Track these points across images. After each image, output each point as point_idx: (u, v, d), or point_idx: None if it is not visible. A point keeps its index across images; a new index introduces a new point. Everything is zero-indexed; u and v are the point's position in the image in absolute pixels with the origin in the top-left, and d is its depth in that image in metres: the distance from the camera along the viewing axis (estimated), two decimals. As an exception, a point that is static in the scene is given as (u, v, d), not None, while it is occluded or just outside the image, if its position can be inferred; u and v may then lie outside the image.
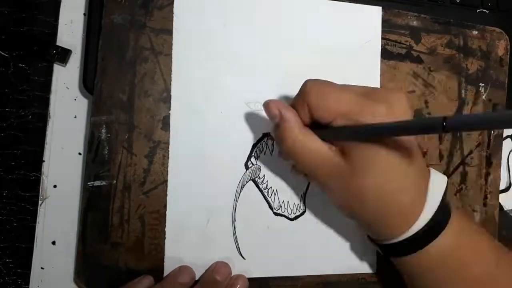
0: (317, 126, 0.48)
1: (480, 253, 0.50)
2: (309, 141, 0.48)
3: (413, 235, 0.47)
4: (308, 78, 0.49)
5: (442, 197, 0.48)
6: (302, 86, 0.49)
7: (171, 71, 0.55)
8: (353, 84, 0.50)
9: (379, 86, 0.60)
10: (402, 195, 0.46)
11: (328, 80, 0.49)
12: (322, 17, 0.59)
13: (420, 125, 0.41)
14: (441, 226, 0.48)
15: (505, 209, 0.67)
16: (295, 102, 0.50)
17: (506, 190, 0.66)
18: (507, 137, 0.69)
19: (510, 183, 0.69)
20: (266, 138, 0.57)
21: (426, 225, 0.47)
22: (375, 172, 0.45)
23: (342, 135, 0.47)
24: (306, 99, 0.48)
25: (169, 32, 0.55)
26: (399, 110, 0.45)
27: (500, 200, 0.65)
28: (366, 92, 0.47)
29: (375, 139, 0.44)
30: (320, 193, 0.55)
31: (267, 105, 0.49)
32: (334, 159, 0.47)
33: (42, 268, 0.57)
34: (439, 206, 0.47)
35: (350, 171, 0.46)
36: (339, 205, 0.51)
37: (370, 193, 0.46)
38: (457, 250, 0.49)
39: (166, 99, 0.55)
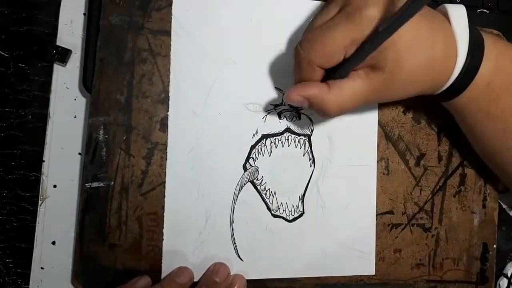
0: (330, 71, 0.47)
1: None
2: (345, 91, 0.47)
3: (455, 80, 0.48)
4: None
5: (469, 29, 0.48)
6: (296, 54, 0.48)
7: (169, 72, 0.52)
8: None
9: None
10: (435, 59, 0.47)
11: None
12: None
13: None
14: (478, 57, 0.48)
15: (505, 209, 0.64)
16: (301, 71, 0.48)
17: (505, 190, 0.63)
18: None
19: None
20: (264, 139, 0.54)
21: (463, 67, 0.48)
22: (406, 59, 0.45)
23: (360, 58, 0.45)
24: (311, 63, 0.47)
25: (167, 33, 0.53)
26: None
27: (500, 201, 0.63)
28: (344, 11, 0.45)
29: (390, 36, 0.43)
30: (318, 195, 0.55)
31: (289, 99, 0.48)
32: (371, 81, 0.47)
33: (42, 268, 0.54)
34: (470, 40, 0.48)
35: (389, 75, 0.46)
36: (389, 100, 0.51)
37: (410, 76, 0.47)
38: (501, 71, 0.49)
39: (164, 101, 0.52)
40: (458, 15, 0.48)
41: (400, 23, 0.41)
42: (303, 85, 0.48)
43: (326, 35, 0.45)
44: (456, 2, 0.62)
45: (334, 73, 0.47)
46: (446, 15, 0.49)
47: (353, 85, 0.46)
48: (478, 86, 0.48)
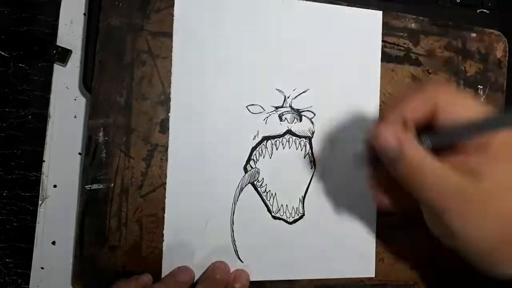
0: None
1: None
2: (438, 171, 0.39)
3: None
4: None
5: None
6: (428, 87, 0.42)
7: (169, 73, 0.51)
8: (351, 93, 0.47)
9: (378, 89, 0.56)
10: None
11: (330, 84, 0.49)
12: (322, 21, 0.56)
13: None
14: None
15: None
16: (411, 99, 0.42)
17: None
18: None
19: None
20: (265, 141, 0.54)
21: None
22: (503, 194, 0.38)
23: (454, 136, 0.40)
24: (432, 98, 0.40)
25: (167, 35, 0.52)
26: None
27: None
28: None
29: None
30: (318, 197, 0.54)
31: (378, 135, 0.41)
32: (461, 179, 0.38)
33: (42, 268, 0.54)
34: None
35: (485, 191, 0.38)
36: (461, 236, 0.40)
37: (507, 214, 0.38)
38: None
39: (163, 102, 0.51)
40: None
41: None
42: (406, 134, 0.40)
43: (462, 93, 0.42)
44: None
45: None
46: None
47: (448, 174, 0.39)
48: None
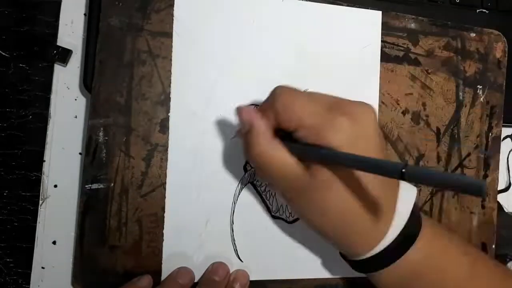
0: (282, 132, 0.44)
1: (454, 260, 0.46)
2: (277, 152, 0.43)
3: (382, 251, 0.43)
4: (279, 85, 0.45)
5: (412, 209, 0.44)
6: (272, 91, 0.44)
7: (169, 73, 0.51)
8: (350, 93, 0.44)
9: (378, 89, 0.56)
10: (366, 214, 0.42)
11: (329, 84, 0.48)
12: (322, 21, 0.55)
13: (379, 167, 0.36)
14: (411, 240, 0.44)
15: (505, 209, 0.63)
16: (263, 106, 0.45)
17: (505, 190, 0.62)
18: (506, 137, 0.66)
19: (510, 183, 0.66)
20: (265, 141, 0.52)
21: (394, 241, 0.43)
22: (337, 189, 0.41)
23: (304, 152, 0.42)
24: (273, 105, 0.43)
25: (167, 35, 0.51)
26: (362, 125, 0.41)
27: (500, 200, 0.62)
28: (333, 103, 0.42)
29: (333, 164, 0.40)
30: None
31: (239, 111, 0.44)
32: (297, 172, 0.42)
33: (43, 267, 0.53)
34: (408, 220, 0.43)
35: (312, 185, 0.41)
36: (301, 217, 0.46)
37: (331, 210, 0.42)
38: (430, 259, 0.45)
39: (163, 102, 0.51)
40: (407, 196, 0.44)
41: (364, 168, 0.38)
42: (259, 113, 0.44)
43: (302, 96, 0.43)
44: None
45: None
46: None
47: (286, 157, 0.42)
48: (402, 268, 0.44)
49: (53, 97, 0.55)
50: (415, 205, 0.44)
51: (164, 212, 0.50)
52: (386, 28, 0.57)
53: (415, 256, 0.44)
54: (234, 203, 0.52)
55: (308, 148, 0.41)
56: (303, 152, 0.42)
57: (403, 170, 0.33)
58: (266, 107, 0.44)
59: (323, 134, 0.40)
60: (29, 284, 0.53)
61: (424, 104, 0.58)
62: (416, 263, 0.44)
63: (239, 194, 0.52)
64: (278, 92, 0.44)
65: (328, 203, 0.41)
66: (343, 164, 0.39)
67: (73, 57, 0.56)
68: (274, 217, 0.53)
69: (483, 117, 0.59)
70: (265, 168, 0.43)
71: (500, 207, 0.61)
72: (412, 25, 0.58)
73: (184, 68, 0.51)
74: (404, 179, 0.33)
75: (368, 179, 0.41)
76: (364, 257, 0.44)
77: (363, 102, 0.43)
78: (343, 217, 0.42)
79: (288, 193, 0.44)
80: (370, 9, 0.56)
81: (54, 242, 0.54)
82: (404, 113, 0.57)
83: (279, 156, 0.43)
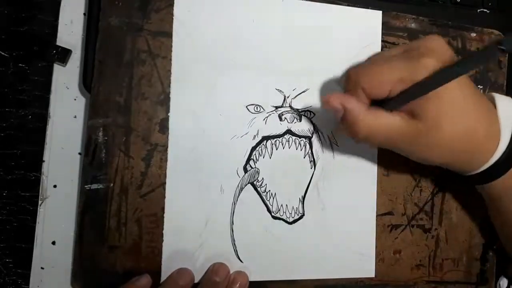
0: (376, 104, 0.47)
1: None
2: (381, 119, 0.46)
3: (494, 163, 0.48)
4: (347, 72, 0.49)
5: None
6: (346, 77, 0.49)
7: (169, 73, 0.51)
8: None
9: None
10: (477, 132, 0.46)
11: (330, 84, 0.50)
12: (322, 21, 0.55)
13: (478, 58, 0.41)
14: None
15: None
16: (348, 89, 0.48)
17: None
18: None
19: None
20: (265, 141, 0.53)
21: (504, 152, 0.47)
22: (447, 121, 0.45)
23: (406, 99, 0.45)
24: (358, 83, 0.46)
25: (167, 34, 0.51)
26: (443, 53, 0.45)
27: None
28: (407, 53, 0.46)
29: (438, 88, 0.43)
30: (318, 197, 0.54)
31: (327, 101, 0.47)
32: (408, 125, 0.46)
33: (42, 268, 0.53)
34: None
35: (425, 128, 0.45)
36: (421, 158, 0.50)
37: (447, 140, 0.46)
38: None
39: (163, 102, 0.51)
40: (505, 103, 0.49)
41: (453, 75, 0.41)
42: (346, 95, 0.47)
43: (379, 64, 0.46)
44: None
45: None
46: (493, 102, 0.49)
47: (390, 119, 0.46)
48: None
49: (52, 97, 0.55)
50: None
51: (163, 212, 0.50)
52: (387, 28, 0.57)
53: None
54: (234, 203, 0.52)
55: (410, 94, 0.44)
56: (404, 101, 0.45)
57: (500, 45, 0.35)
58: (351, 92, 0.47)
59: (418, 79, 0.44)
60: (28, 284, 0.53)
61: (424, 104, 0.57)
62: None
63: (239, 195, 0.52)
64: (356, 71, 0.48)
65: (444, 135, 0.45)
66: (451, 77, 0.42)
67: (72, 57, 0.55)
68: (274, 217, 0.53)
69: (484, 117, 0.59)
70: (378, 137, 0.47)
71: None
72: (413, 25, 0.58)
73: (184, 68, 0.51)
74: (504, 51, 0.35)
75: (468, 101, 0.46)
76: (478, 171, 0.49)
77: (429, 36, 0.48)
78: (459, 143, 0.46)
79: (402, 146, 0.48)
80: (371, 8, 0.56)
81: (53, 243, 0.53)
82: (405, 113, 0.56)
83: (385, 121, 0.46)
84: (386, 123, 0.46)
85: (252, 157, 0.52)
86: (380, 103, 0.47)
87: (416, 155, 0.49)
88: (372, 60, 0.48)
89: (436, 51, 0.45)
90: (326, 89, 0.54)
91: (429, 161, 0.50)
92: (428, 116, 0.45)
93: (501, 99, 0.49)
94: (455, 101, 0.45)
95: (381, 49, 0.56)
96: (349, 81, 0.48)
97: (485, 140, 0.47)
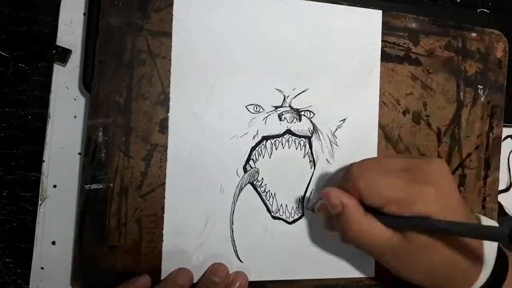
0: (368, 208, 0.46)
1: None
2: (373, 227, 0.45)
3: None
4: (353, 162, 0.48)
5: (498, 246, 0.47)
6: (348, 171, 0.47)
7: (169, 73, 0.51)
8: (351, 93, 0.50)
9: (378, 89, 0.56)
10: (463, 263, 0.45)
11: (330, 84, 0.49)
12: (322, 20, 0.55)
13: (482, 233, 0.41)
14: (502, 273, 0.46)
15: (505, 209, 0.62)
16: (343, 184, 0.48)
17: (506, 190, 0.62)
18: (507, 137, 0.65)
19: (510, 183, 0.65)
20: (265, 141, 0.53)
21: (488, 278, 0.46)
22: (436, 250, 0.44)
23: (398, 224, 0.45)
24: (355, 186, 0.46)
25: (166, 34, 0.51)
26: (444, 186, 0.45)
27: (501, 201, 0.62)
28: (408, 167, 0.46)
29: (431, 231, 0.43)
30: (318, 197, 0.53)
31: (326, 195, 0.47)
32: (395, 241, 0.45)
33: (42, 268, 0.53)
34: (496, 257, 0.46)
35: (412, 249, 0.45)
36: (399, 274, 0.48)
37: (433, 267, 0.45)
38: None
39: (163, 102, 0.51)
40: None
41: (445, 232, 0.42)
42: (347, 194, 0.46)
43: (379, 178, 0.45)
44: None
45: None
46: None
47: (383, 232, 0.45)
48: None
49: (52, 97, 0.55)
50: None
51: (163, 212, 0.50)
52: (387, 28, 0.56)
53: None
54: (234, 203, 0.52)
55: (403, 219, 0.44)
56: (395, 223, 0.45)
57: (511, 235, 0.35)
58: (348, 186, 0.47)
59: (413, 207, 0.43)
60: (28, 284, 0.53)
61: (424, 104, 0.57)
62: None
63: (239, 194, 0.52)
64: (356, 172, 0.46)
65: (429, 262, 0.45)
66: (444, 232, 0.42)
67: (72, 57, 0.55)
68: (274, 217, 0.53)
69: (484, 117, 0.59)
70: (365, 242, 0.46)
71: (501, 207, 0.61)
72: (413, 25, 0.57)
73: (183, 68, 0.51)
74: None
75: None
76: None
77: (432, 157, 0.50)
78: (443, 271, 0.46)
79: (387, 259, 0.47)
80: (371, 8, 0.56)
81: (53, 242, 0.53)
82: (404, 113, 0.57)
83: (377, 230, 0.45)
84: (379, 235, 0.45)
85: (251, 157, 0.52)
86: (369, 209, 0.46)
87: (400, 270, 0.48)
88: (376, 168, 0.46)
89: (437, 180, 0.44)
90: (326, 89, 0.54)
91: (411, 280, 0.48)
92: (419, 241, 0.44)
93: (486, 223, 0.48)
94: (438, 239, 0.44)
95: (382, 49, 0.56)
96: (348, 181, 0.47)
97: (472, 269, 0.46)
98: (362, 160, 0.48)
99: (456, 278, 0.46)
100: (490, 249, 0.46)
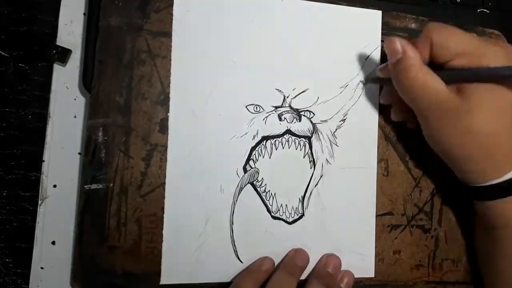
0: (433, 66, 0.47)
1: None
2: (429, 78, 0.46)
3: (510, 179, 0.46)
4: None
5: None
6: (424, 28, 0.48)
7: (169, 73, 0.51)
8: (351, 92, 0.51)
9: (378, 90, 0.56)
10: (507, 139, 0.45)
11: (329, 84, 0.50)
12: (322, 21, 0.55)
13: None
14: None
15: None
16: (416, 40, 0.48)
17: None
18: None
19: None
20: (265, 141, 0.53)
21: None
22: (489, 111, 0.44)
23: (462, 76, 0.46)
24: (429, 35, 0.46)
25: (166, 34, 0.51)
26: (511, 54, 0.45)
27: None
28: (483, 38, 0.48)
29: (494, 80, 0.44)
30: (318, 197, 0.53)
31: (390, 40, 0.47)
32: (450, 96, 0.45)
33: (42, 268, 0.53)
34: None
35: (465, 108, 0.45)
36: (440, 137, 0.48)
37: (480, 130, 0.45)
38: None
39: (163, 102, 0.51)
40: None
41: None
42: (409, 42, 0.47)
43: (456, 29, 0.47)
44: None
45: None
46: None
47: (438, 84, 0.46)
48: None
49: (52, 96, 0.55)
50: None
51: (163, 212, 0.50)
52: (387, 28, 0.56)
53: None
54: (234, 203, 0.52)
55: (469, 71, 0.45)
56: (458, 77, 0.46)
57: None
58: (420, 40, 0.47)
59: (483, 60, 0.44)
60: (28, 284, 0.53)
61: (424, 104, 0.57)
62: None
63: (238, 195, 0.52)
64: (432, 24, 0.47)
65: (477, 123, 0.45)
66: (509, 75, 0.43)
67: (72, 57, 0.55)
68: (273, 217, 0.53)
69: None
70: (419, 93, 0.46)
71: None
72: (413, 25, 0.57)
73: (183, 68, 0.51)
74: None
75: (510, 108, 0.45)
76: (490, 183, 0.47)
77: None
78: (489, 140, 0.45)
79: (436, 119, 0.47)
80: (371, 8, 0.56)
81: (53, 242, 0.53)
82: (404, 113, 0.57)
83: (432, 81, 0.46)
84: (433, 86, 0.45)
85: (251, 157, 0.52)
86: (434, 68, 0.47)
87: (440, 133, 0.47)
88: (448, 26, 0.47)
89: (508, 49, 0.46)
90: (326, 89, 0.54)
91: (446, 148, 0.48)
92: (472, 98, 0.44)
93: None
94: (501, 101, 0.45)
95: (381, 49, 0.56)
96: (424, 30, 0.47)
97: (510, 151, 0.46)
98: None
99: (496, 156, 0.46)
100: None
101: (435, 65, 0.47)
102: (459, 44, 0.46)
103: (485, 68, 0.44)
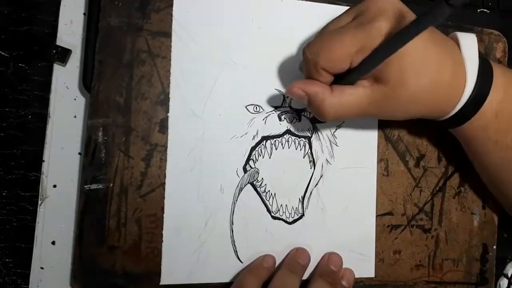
0: (338, 77, 0.47)
1: None
2: (345, 97, 0.46)
3: (463, 106, 0.48)
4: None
5: (479, 57, 0.48)
6: (303, 59, 0.47)
7: (168, 73, 0.51)
8: None
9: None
10: (442, 81, 0.46)
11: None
12: (321, 21, 0.54)
13: (428, 18, 0.38)
14: (487, 85, 0.48)
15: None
16: (307, 72, 0.48)
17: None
18: None
19: None
20: (264, 141, 0.53)
21: (471, 94, 0.47)
22: (410, 77, 0.45)
23: (368, 68, 0.45)
24: (317, 66, 0.46)
25: (166, 34, 0.51)
26: (394, 11, 0.44)
27: None
28: (357, 19, 0.45)
29: (396, 51, 0.42)
30: (318, 197, 0.54)
31: (289, 91, 0.47)
32: (373, 91, 0.46)
33: (42, 268, 0.53)
34: (479, 68, 0.47)
35: (391, 89, 0.45)
36: (393, 117, 0.50)
37: (414, 95, 0.46)
38: (508, 103, 0.49)
39: (163, 102, 0.51)
40: (469, 43, 0.48)
41: (408, 37, 0.40)
42: (307, 81, 0.47)
43: (334, 40, 0.45)
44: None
45: (341, 80, 0.46)
46: (457, 42, 0.49)
47: (354, 93, 0.46)
48: (486, 114, 0.48)
49: (52, 96, 0.55)
50: (479, 52, 0.48)
51: (163, 212, 0.50)
52: (387, 28, 0.56)
53: (495, 97, 0.48)
54: (234, 203, 0.52)
55: (371, 60, 0.44)
56: (365, 71, 0.45)
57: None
58: (311, 71, 0.47)
59: (374, 44, 0.43)
60: (28, 284, 0.53)
61: (424, 104, 0.57)
62: (498, 105, 0.48)
63: (238, 195, 0.52)
64: (309, 51, 0.46)
65: (409, 91, 0.45)
66: (407, 39, 0.40)
67: (72, 57, 0.55)
68: (273, 217, 0.53)
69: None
70: (346, 113, 0.47)
71: (501, 207, 0.61)
72: (413, 25, 0.57)
73: (183, 68, 0.51)
74: (452, 6, 0.35)
75: (429, 51, 0.45)
76: (449, 115, 0.49)
77: None
78: (425, 94, 0.46)
79: (374, 111, 0.48)
80: (371, 9, 0.56)
81: (53, 242, 0.53)
82: (404, 113, 0.57)
83: (349, 97, 0.46)
84: (352, 99, 0.46)
85: (251, 157, 0.53)
86: (343, 74, 0.46)
87: (387, 115, 0.49)
88: (325, 35, 0.46)
89: (387, 10, 0.44)
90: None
91: (401, 118, 0.50)
92: (390, 77, 0.45)
93: (464, 39, 0.49)
94: (416, 55, 0.44)
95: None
96: (307, 63, 0.47)
97: (451, 86, 0.47)
98: (311, 41, 0.47)
99: (440, 99, 0.47)
100: (471, 62, 0.47)
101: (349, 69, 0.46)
102: (344, 51, 0.44)
103: (379, 47, 0.43)
